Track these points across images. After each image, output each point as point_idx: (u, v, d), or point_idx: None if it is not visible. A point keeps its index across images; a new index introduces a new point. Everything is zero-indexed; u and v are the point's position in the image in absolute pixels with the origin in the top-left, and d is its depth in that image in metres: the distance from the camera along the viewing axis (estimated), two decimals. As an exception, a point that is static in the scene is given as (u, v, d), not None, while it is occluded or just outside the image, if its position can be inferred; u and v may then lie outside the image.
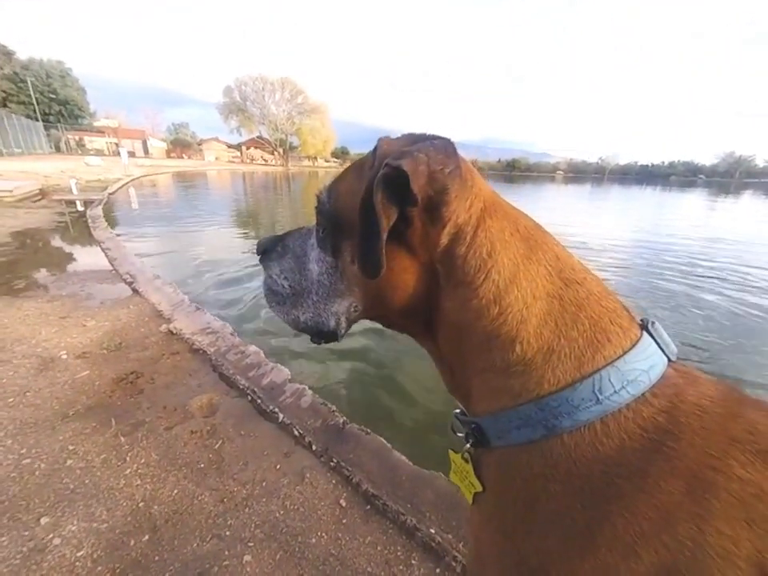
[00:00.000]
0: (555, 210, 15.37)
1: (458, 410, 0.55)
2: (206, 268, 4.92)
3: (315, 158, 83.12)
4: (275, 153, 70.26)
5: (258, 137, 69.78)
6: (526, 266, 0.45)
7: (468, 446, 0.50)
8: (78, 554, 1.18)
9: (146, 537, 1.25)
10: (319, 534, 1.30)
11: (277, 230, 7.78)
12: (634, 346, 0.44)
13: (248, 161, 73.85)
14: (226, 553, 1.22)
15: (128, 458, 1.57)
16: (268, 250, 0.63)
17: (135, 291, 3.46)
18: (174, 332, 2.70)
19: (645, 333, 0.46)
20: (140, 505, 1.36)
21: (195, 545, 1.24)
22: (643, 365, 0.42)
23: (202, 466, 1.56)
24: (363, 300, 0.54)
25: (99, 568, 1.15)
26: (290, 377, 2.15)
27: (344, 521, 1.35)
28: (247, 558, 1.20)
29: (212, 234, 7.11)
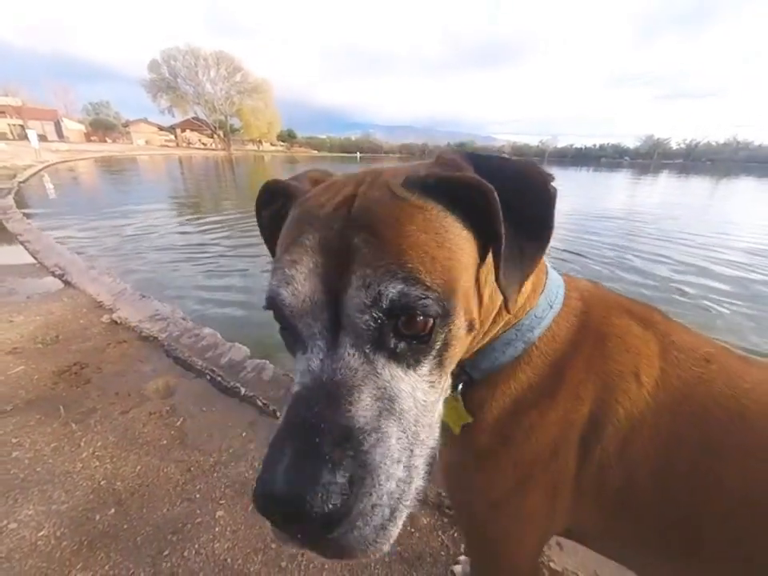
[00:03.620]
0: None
1: None
2: (146, 256, 4.62)
3: (260, 141, 78.74)
4: (215, 136, 65.42)
5: (193, 118, 64.38)
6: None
7: (461, 387, 0.57)
8: (39, 534, 1.16)
9: (112, 510, 1.26)
10: (289, 485, 1.39)
11: (222, 213, 7.34)
12: (548, 266, 0.63)
13: (184, 145, 67.85)
14: (198, 512, 1.27)
15: (82, 444, 1.53)
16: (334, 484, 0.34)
17: (67, 283, 3.19)
18: (119, 321, 2.57)
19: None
20: (102, 483, 1.35)
21: (165, 510, 1.27)
22: (556, 273, 0.64)
23: (165, 442, 1.57)
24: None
25: (64, 543, 1.15)
26: (249, 353, 2.17)
27: (311, 472, 1.45)
28: (220, 513, 1.27)
29: (148, 222, 6.59)
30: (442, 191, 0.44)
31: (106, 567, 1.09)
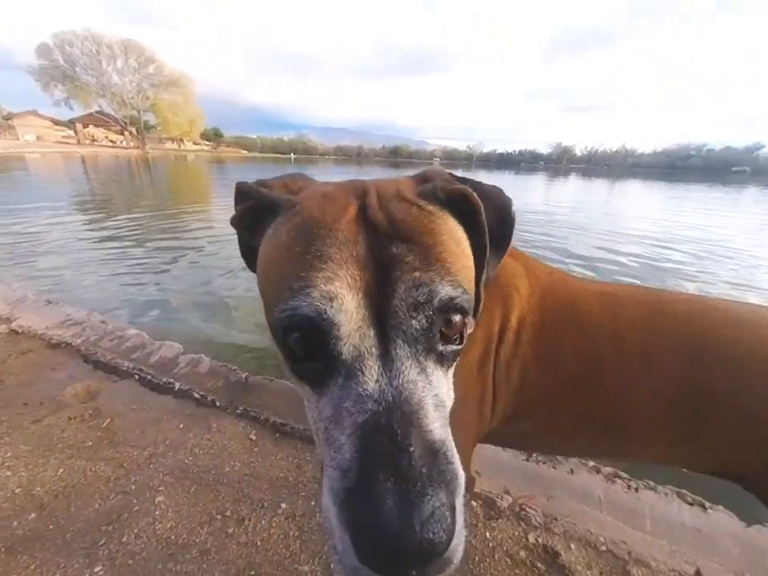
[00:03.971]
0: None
1: None
2: (48, 259, 4.11)
3: (181, 139, 72.45)
4: (126, 132, 58.60)
5: (97, 112, 56.98)
6: None
7: None
8: (-58, 551, 1.05)
9: (33, 515, 1.17)
10: (232, 463, 1.41)
11: (135, 212, 6.75)
12: None
13: (87, 142, 59.57)
14: (135, 501, 1.24)
15: (-13, 457, 1.37)
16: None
17: (-55, 294, 2.72)
18: (20, 330, 2.29)
19: None
20: (17, 491, 1.25)
21: (97, 506, 1.22)
22: None
23: (90, 443, 1.48)
24: None
25: (-24, 554, 1.05)
26: (182, 350, 2.10)
27: (255, 449, 1.49)
28: (159, 498, 1.25)
29: (45, 222, 5.80)
30: (450, 204, 0.49)
31: (32, 567, 1.02)
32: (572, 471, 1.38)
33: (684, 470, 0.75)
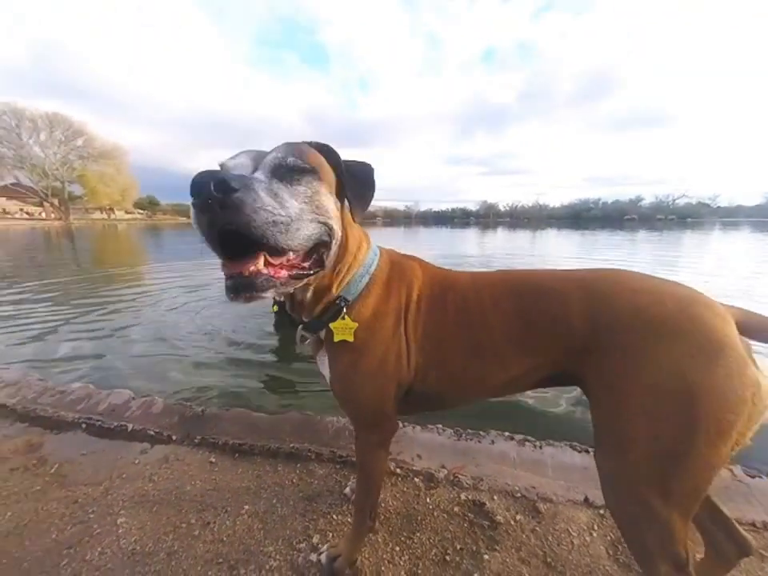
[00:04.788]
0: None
1: (300, 326, 1.02)
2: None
3: (111, 209, 69.36)
4: (46, 204, 54.83)
5: (13, 184, 53.11)
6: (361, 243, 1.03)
7: (345, 309, 0.95)
8: None
9: (-19, 556, 1.16)
10: (194, 483, 1.49)
11: (56, 277, 6.43)
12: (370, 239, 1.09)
13: (-2, 215, 54.30)
14: (95, 526, 1.27)
15: None
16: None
17: None
18: (-61, 399, 2.12)
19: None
20: (-42, 539, 1.21)
21: (54, 536, 1.23)
22: (376, 250, 1.09)
23: (39, 488, 1.46)
24: None
25: None
26: (133, 395, 2.12)
27: (216, 469, 1.58)
28: (121, 520, 1.30)
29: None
30: (321, 151, 0.87)
31: (-12, 596, 1.03)
32: (492, 442, 1.68)
33: (546, 388, 1.05)
